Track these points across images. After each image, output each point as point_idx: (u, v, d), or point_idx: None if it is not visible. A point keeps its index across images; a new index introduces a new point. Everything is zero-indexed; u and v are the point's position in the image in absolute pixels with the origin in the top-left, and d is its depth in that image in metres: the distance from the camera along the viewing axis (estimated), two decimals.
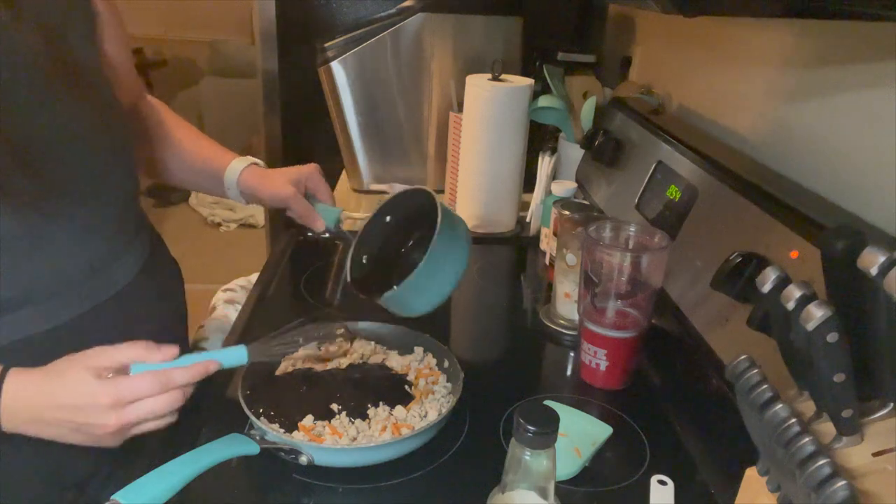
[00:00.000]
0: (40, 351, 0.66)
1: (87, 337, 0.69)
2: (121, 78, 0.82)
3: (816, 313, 0.41)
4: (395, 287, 0.73)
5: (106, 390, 0.59)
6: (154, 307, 0.82)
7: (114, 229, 0.75)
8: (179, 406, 0.63)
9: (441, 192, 1.47)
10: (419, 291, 0.75)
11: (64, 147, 0.68)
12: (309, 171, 0.94)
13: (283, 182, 0.91)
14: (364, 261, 0.84)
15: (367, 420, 0.70)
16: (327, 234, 0.94)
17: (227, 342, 0.89)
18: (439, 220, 0.74)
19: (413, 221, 0.84)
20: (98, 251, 0.72)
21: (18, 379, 0.60)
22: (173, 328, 0.87)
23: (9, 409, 0.59)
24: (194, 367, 0.64)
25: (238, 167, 0.93)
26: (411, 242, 0.85)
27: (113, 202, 0.75)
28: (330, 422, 0.69)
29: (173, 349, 0.65)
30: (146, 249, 0.82)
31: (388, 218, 0.86)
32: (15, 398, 0.59)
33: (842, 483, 0.39)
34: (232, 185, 0.93)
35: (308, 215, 0.92)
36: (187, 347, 0.93)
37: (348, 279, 0.80)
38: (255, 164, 0.95)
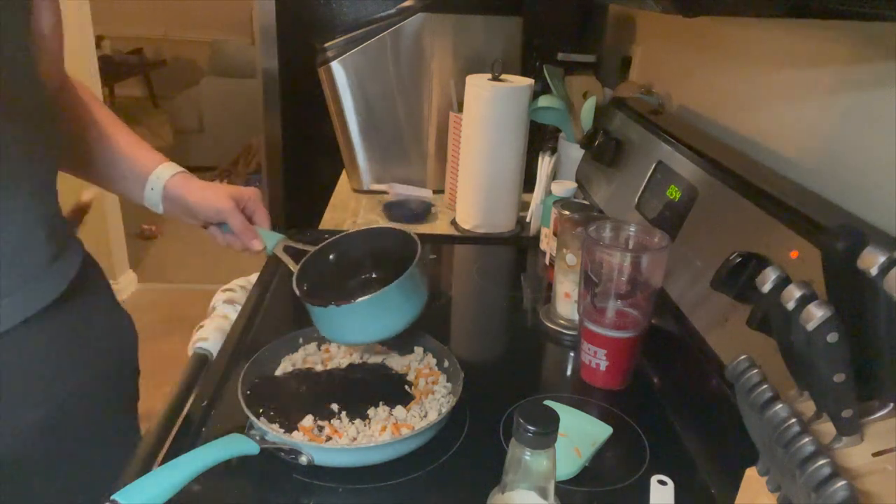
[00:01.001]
0: (42, 338, 0.66)
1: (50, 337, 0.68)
2: (47, 56, 0.72)
3: (816, 313, 0.41)
4: (332, 304, 0.74)
5: None
6: (91, 328, 0.76)
7: (29, 247, 0.66)
8: None
9: (441, 192, 1.47)
10: (355, 320, 0.75)
11: None
12: (250, 193, 0.90)
13: (221, 195, 0.87)
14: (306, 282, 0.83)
15: (367, 420, 0.70)
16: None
17: (227, 342, 0.89)
18: (416, 255, 0.76)
19: (349, 269, 0.86)
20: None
21: None
22: (116, 333, 0.84)
23: None
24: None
25: (169, 170, 0.86)
26: (364, 277, 0.87)
27: (30, 210, 0.65)
28: (330, 422, 0.69)
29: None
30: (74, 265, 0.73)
31: (331, 257, 0.86)
32: None
33: (842, 483, 0.39)
34: (157, 186, 0.85)
35: (246, 232, 0.88)
36: (133, 346, 0.88)
37: (295, 288, 0.80)
38: (186, 173, 0.88)
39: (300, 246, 0.88)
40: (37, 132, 0.67)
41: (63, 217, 0.74)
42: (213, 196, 0.87)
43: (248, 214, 0.90)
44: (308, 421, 0.69)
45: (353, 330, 0.76)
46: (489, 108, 1.22)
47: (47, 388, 0.69)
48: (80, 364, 0.73)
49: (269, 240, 0.90)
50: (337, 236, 0.87)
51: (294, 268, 0.83)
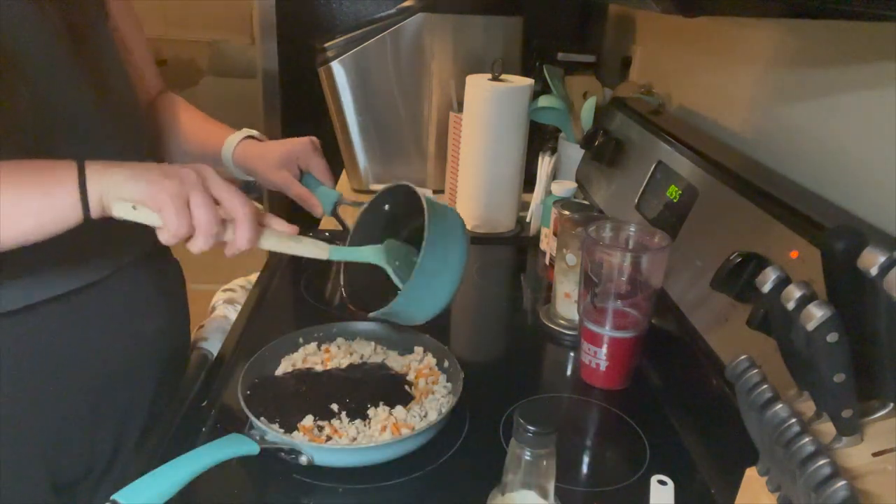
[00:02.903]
0: (44, 318, 0.66)
1: (90, 309, 0.69)
2: (137, 72, 0.83)
3: (816, 313, 0.41)
4: (398, 295, 0.71)
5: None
6: (156, 300, 0.82)
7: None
8: (248, 216, 0.59)
9: (441, 192, 1.47)
10: (421, 296, 0.73)
11: (73, 127, 0.68)
12: (302, 147, 0.89)
13: (275, 164, 0.88)
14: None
15: (367, 420, 0.70)
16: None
17: (227, 342, 0.89)
18: (426, 214, 0.71)
19: (402, 220, 0.81)
20: (103, 228, 0.70)
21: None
22: (177, 322, 0.87)
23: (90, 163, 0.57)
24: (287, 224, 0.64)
25: (232, 143, 0.90)
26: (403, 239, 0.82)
27: None
28: (330, 422, 0.69)
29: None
30: (149, 241, 0.81)
31: (385, 207, 0.83)
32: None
33: (842, 483, 0.39)
34: (228, 162, 0.90)
35: (306, 200, 0.89)
36: (188, 345, 0.93)
37: (345, 295, 0.78)
38: (251, 136, 0.91)
39: (351, 203, 0.88)
40: (127, 139, 0.75)
41: None
42: (268, 168, 0.88)
43: (304, 169, 0.90)
44: (308, 421, 0.69)
45: (432, 296, 0.73)
46: (489, 108, 1.22)
47: (120, 340, 0.76)
48: (160, 307, 0.82)
49: (325, 201, 0.89)
50: (382, 190, 0.83)
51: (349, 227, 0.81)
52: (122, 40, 0.79)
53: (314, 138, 0.92)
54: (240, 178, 0.91)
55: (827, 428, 0.47)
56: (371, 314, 0.74)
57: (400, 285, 0.73)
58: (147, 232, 0.82)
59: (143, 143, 0.81)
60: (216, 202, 0.58)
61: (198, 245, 0.58)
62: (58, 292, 0.68)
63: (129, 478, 0.55)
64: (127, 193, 0.56)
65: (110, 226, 0.59)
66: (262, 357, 0.78)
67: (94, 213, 0.56)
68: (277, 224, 0.64)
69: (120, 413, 0.77)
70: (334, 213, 0.90)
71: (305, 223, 1.21)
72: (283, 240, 0.64)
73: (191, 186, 0.56)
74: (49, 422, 0.70)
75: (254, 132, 0.92)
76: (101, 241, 0.69)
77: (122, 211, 0.57)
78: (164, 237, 0.58)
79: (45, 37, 0.65)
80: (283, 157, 0.89)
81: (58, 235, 0.57)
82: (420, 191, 0.75)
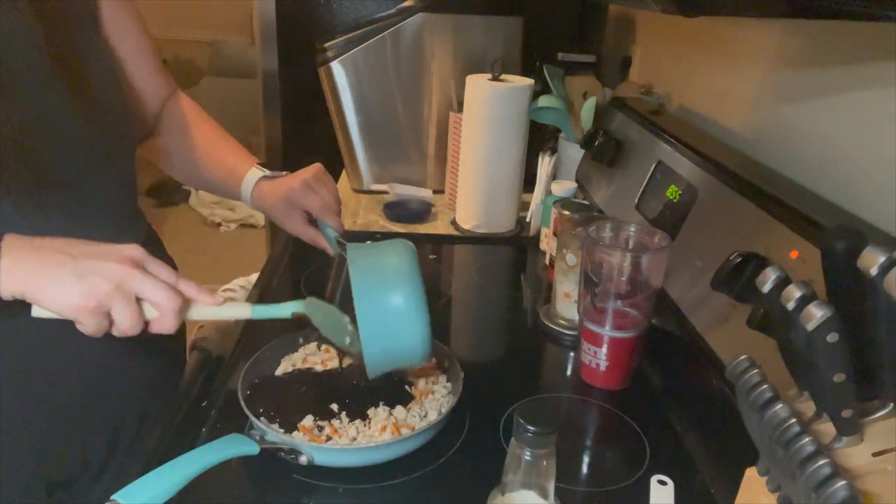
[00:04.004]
0: (33, 335, 0.66)
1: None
2: (136, 74, 0.83)
3: (816, 313, 0.41)
4: (366, 366, 0.66)
5: (131, 248, 0.59)
6: None
7: (107, 224, 0.75)
8: (173, 309, 0.59)
9: (441, 192, 1.47)
10: (388, 348, 0.65)
11: (58, 139, 0.68)
12: (296, 190, 0.89)
13: (283, 212, 0.90)
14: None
15: (367, 420, 0.70)
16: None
17: (227, 343, 0.89)
18: (350, 273, 0.64)
19: None
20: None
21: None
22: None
23: (9, 242, 0.56)
24: (209, 294, 0.64)
25: (249, 186, 0.92)
26: None
27: (106, 198, 0.75)
28: (330, 422, 0.69)
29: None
30: (140, 239, 0.82)
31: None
32: (18, 239, 0.57)
33: (842, 483, 0.39)
34: (247, 199, 0.93)
35: (317, 243, 0.92)
36: (184, 346, 0.93)
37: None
38: (264, 176, 0.92)
39: (340, 241, 0.88)
40: (113, 148, 0.76)
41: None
42: (276, 216, 0.92)
43: (305, 209, 0.90)
44: (308, 421, 0.69)
45: (398, 344, 0.65)
46: (489, 108, 1.22)
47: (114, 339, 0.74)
48: None
49: (330, 240, 0.90)
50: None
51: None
52: (115, 48, 0.79)
53: (312, 172, 0.91)
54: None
55: (827, 428, 0.47)
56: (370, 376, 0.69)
57: (328, 336, 0.70)
58: (138, 230, 0.82)
59: (132, 150, 0.81)
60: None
61: (117, 335, 0.59)
62: None
63: (128, 477, 0.55)
64: (49, 308, 0.56)
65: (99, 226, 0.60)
66: (262, 357, 0.78)
67: (9, 299, 0.56)
68: (202, 297, 0.63)
69: (114, 412, 0.77)
70: (338, 252, 0.90)
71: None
72: (209, 309, 0.64)
73: (111, 297, 0.56)
74: (42, 421, 0.70)
75: (265, 171, 0.93)
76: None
77: (40, 313, 0.57)
78: (81, 330, 0.58)
79: (26, 47, 0.64)
80: (284, 206, 0.90)
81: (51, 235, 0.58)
82: (350, 247, 0.69)
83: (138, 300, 0.58)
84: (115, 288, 0.56)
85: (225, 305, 0.65)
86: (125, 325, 0.57)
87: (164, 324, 0.60)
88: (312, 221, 0.92)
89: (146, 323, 0.60)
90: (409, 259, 0.66)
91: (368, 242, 0.73)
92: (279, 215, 0.92)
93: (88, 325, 0.56)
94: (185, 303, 0.61)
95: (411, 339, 0.65)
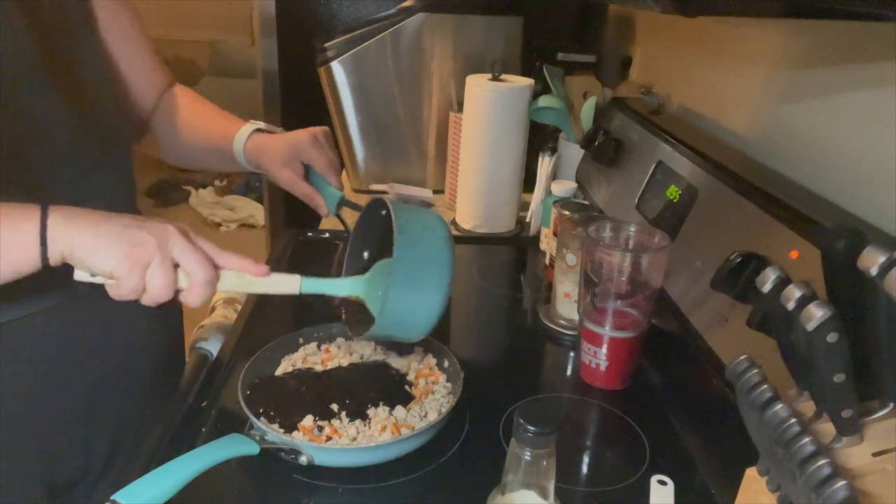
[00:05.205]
0: (37, 321, 0.66)
1: (83, 310, 0.69)
2: (134, 75, 0.83)
3: (816, 313, 0.41)
4: (377, 317, 0.65)
5: (177, 222, 0.60)
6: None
7: None
8: (202, 279, 0.59)
9: (441, 192, 1.47)
10: (403, 311, 0.65)
11: (54, 142, 0.68)
12: (303, 141, 0.87)
13: (279, 161, 0.87)
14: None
15: (367, 420, 0.70)
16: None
17: (227, 343, 0.89)
18: (394, 220, 0.64)
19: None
20: None
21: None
22: (170, 321, 0.87)
23: (55, 207, 0.56)
24: (255, 265, 0.63)
25: (242, 137, 0.89)
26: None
27: (104, 199, 0.73)
28: (330, 422, 0.69)
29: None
30: None
31: (365, 254, 0.78)
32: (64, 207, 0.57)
33: (842, 483, 0.39)
34: (240, 158, 0.90)
35: (311, 198, 0.88)
36: (182, 344, 0.92)
37: (343, 322, 0.74)
38: (259, 130, 0.90)
39: (352, 205, 0.86)
40: (109, 151, 0.75)
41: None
42: (273, 165, 0.88)
43: (307, 163, 0.89)
44: (308, 421, 0.69)
45: (417, 310, 0.66)
46: (489, 108, 1.22)
47: (113, 342, 0.75)
48: (138, 316, 0.78)
49: (329, 199, 0.87)
50: (368, 203, 0.77)
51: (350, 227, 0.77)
52: (111, 50, 0.79)
53: (320, 130, 0.90)
54: (250, 169, 0.91)
55: (827, 428, 0.47)
56: (362, 335, 0.69)
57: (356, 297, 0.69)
58: None
59: (129, 151, 0.81)
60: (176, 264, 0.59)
61: (145, 302, 0.59)
62: (49, 304, 0.68)
63: (128, 478, 0.55)
64: (91, 264, 0.56)
65: None
66: (262, 357, 0.78)
67: (53, 263, 0.56)
68: (248, 267, 0.63)
69: (115, 413, 0.77)
70: (337, 214, 0.89)
71: (309, 220, 1.22)
72: (258, 281, 0.63)
73: (152, 253, 0.57)
74: (44, 424, 0.70)
75: (261, 124, 0.91)
76: None
77: (82, 276, 0.57)
78: (113, 295, 0.58)
79: (20, 51, 0.64)
80: (286, 153, 0.87)
81: None
82: (392, 201, 0.69)
83: (175, 268, 0.58)
84: (158, 246, 0.57)
85: (272, 276, 0.64)
86: (157, 288, 0.57)
87: (192, 293, 0.59)
88: (306, 180, 0.89)
89: (176, 293, 0.59)
90: (449, 242, 0.67)
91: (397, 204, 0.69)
92: (276, 165, 0.87)
93: (125, 284, 0.56)
94: (215, 276, 0.60)
95: (427, 318, 0.66)
